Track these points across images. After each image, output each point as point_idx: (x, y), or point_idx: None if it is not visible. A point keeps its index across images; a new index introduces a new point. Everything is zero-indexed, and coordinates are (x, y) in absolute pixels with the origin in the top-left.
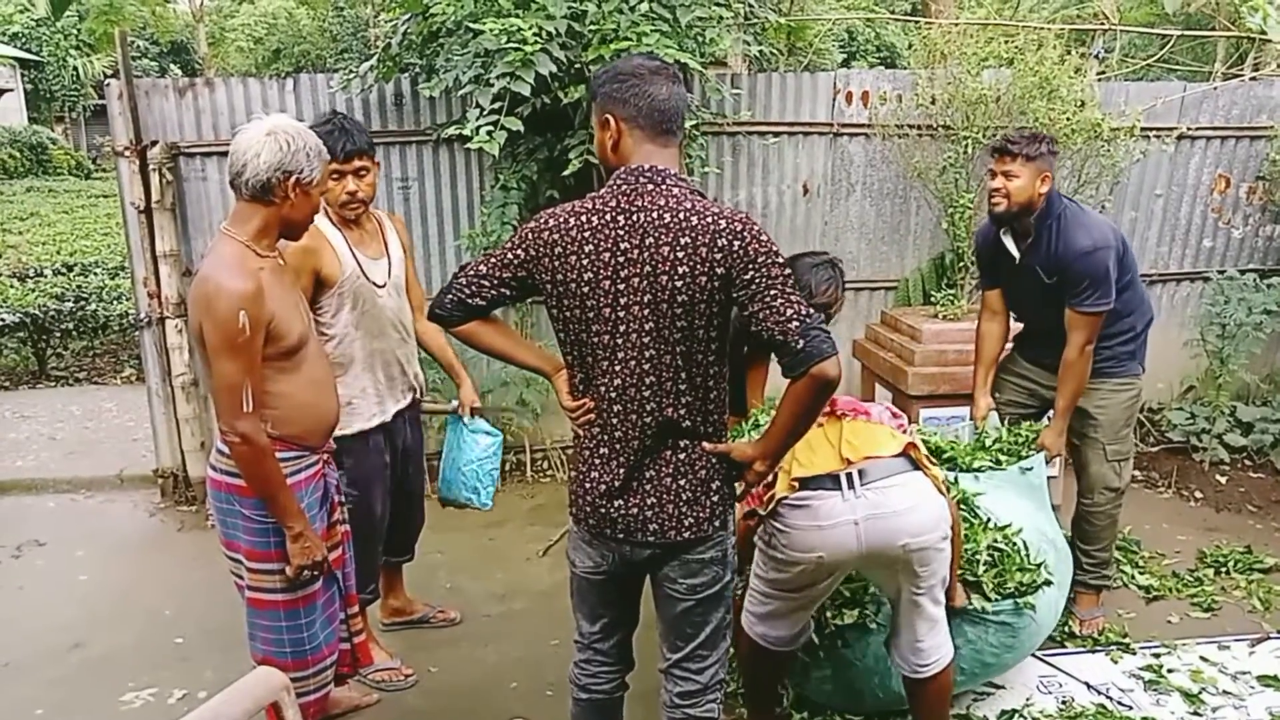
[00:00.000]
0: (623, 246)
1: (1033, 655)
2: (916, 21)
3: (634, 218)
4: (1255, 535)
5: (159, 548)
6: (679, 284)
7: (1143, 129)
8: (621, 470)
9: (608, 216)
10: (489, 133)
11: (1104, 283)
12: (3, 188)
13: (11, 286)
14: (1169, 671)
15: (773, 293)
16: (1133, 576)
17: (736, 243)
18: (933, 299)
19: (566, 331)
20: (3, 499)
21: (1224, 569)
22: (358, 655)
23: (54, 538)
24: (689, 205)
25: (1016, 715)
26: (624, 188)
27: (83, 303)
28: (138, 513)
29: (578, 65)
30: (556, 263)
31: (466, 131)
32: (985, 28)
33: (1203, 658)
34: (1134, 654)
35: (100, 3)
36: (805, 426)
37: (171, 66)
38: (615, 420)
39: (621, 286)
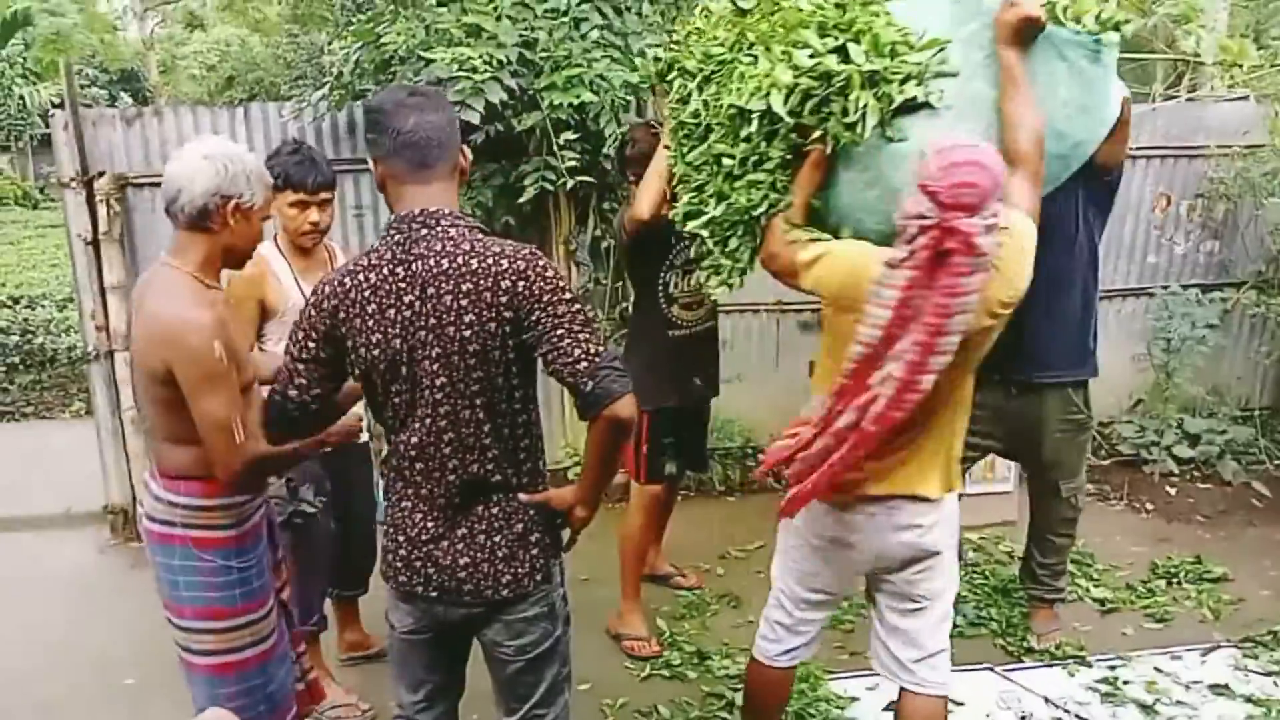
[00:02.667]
0: (405, 300)
1: (992, 670)
2: None
3: (412, 267)
4: (1204, 545)
5: (109, 586)
6: (467, 334)
7: None
8: (432, 527)
9: (384, 271)
10: None
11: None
12: None
13: None
14: (1124, 683)
15: (559, 333)
16: (1088, 589)
17: (521, 283)
18: None
19: (370, 394)
20: None
21: (1175, 579)
22: (311, 692)
23: None
24: (467, 247)
25: None
26: (398, 237)
27: (29, 335)
28: (87, 550)
29: (530, 93)
30: (342, 329)
31: None
32: None
33: (1157, 668)
34: (1090, 667)
35: (47, 31)
36: (613, 467)
37: (122, 94)
38: (419, 478)
39: (411, 342)
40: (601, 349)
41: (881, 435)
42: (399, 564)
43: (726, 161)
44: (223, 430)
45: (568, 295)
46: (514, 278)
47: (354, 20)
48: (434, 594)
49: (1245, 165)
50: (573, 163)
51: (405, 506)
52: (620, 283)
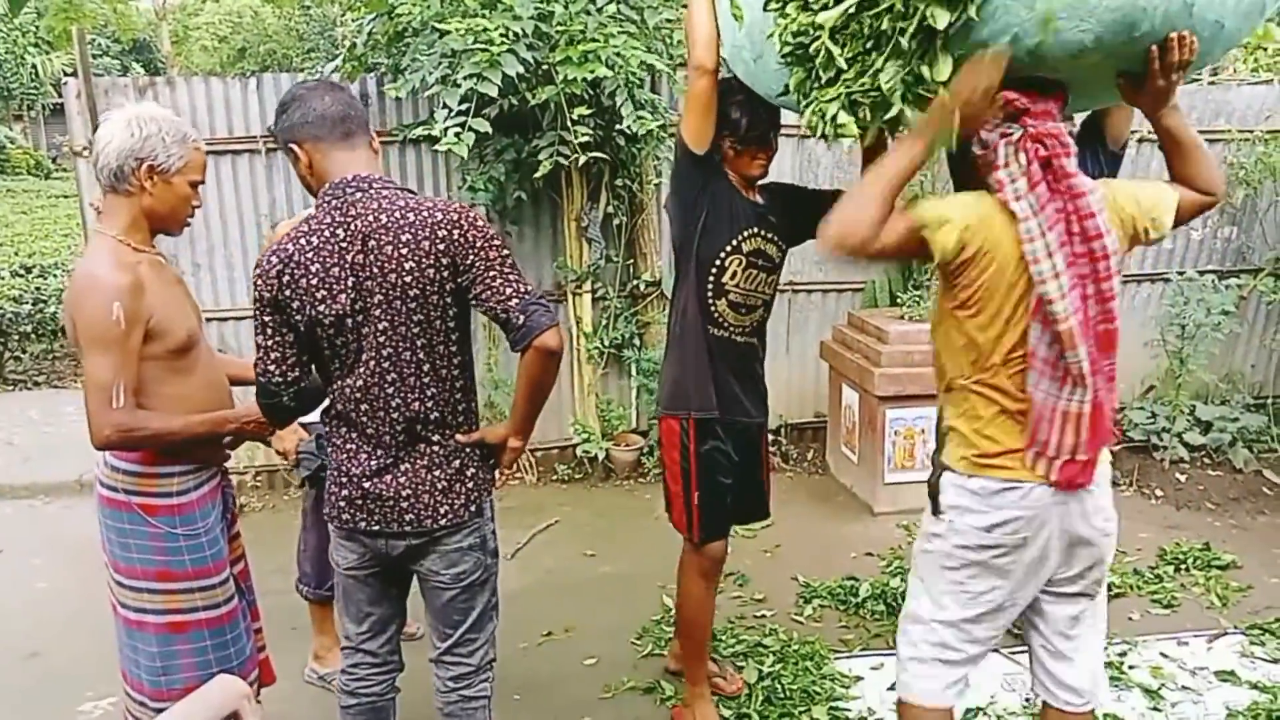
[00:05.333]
0: (349, 257)
1: (997, 652)
2: None
3: (352, 226)
4: (1213, 532)
5: None
6: (408, 279)
7: None
8: (375, 464)
9: (326, 233)
10: (457, 134)
11: None
12: None
13: None
14: (1130, 668)
15: (492, 274)
16: None
17: (455, 231)
18: (899, 300)
19: (316, 351)
20: None
21: (1183, 566)
22: (261, 671)
23: (10, 545)
24: (402, 203)
25: (980, 714)
26: (335, 202)
27: (41, 305)
28: (97, 518)
29: (545, 66)
30: (289, 291)
31: (435, 133)
32: None
33: (1162, 654)
34: None
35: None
36: (542, 397)
37: (134, 65)
38: (365, 419)
39: (354, 294)
40: (529, 287)
41: (1109, 358)
42: (342, 503)
43: None
44: (100, 391)
45: (497, 241)
46: (449, 227)
47: None
48: (376, 528)
49: (1267, 150)
50: (586, 138)
51: (350, 448)
52: (631, 260)
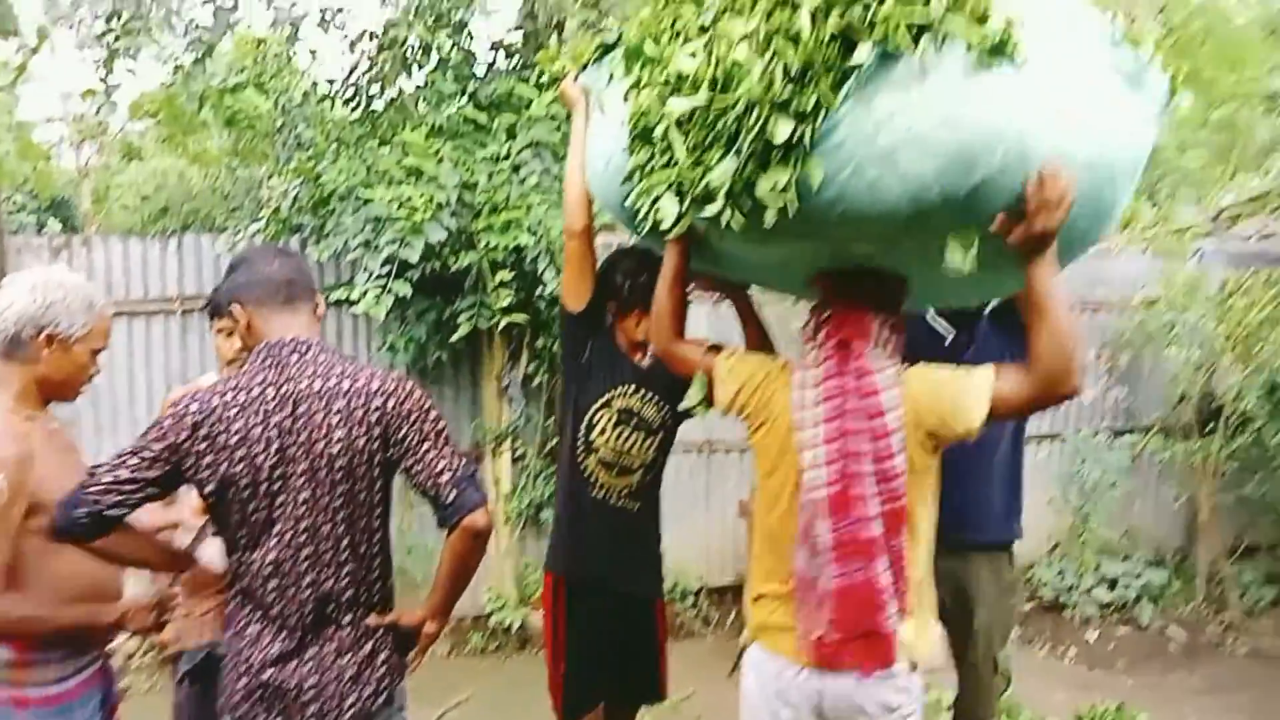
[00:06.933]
0: (274, 420)
1: None
2: None
3: (283, 389)
4: (1127, 692)
5: None
6: (336, 449)
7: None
8: (279, 649)
9: (255, 392)
10: (376, 296)
11: None
12: None
13: None
14: None
15: (424, 446)
16: None
17: (391, 402)
18: None
19: (221, 514)
20: None
21: None
22: None
23: None
24: (339, 370)
25: None
26: (269, 361)
27: None
28: None
29: (468, 233)
30: (203, 445)
31: (354, 296)
32: None
33: None
34: None
35: None
36: (467, 578)
37: (51, 220)
38: (272, 597)
39: (275, 460)
40: (462, 461)
41: (896, 537)
42: (238, 696)
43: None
44: None
45: (434, 414)
46: (384, 396)
47: (295, 157)
48: None
49: (1144, 318)
50: (507, 301)
51: (250, 632)
52: (551, 419)
